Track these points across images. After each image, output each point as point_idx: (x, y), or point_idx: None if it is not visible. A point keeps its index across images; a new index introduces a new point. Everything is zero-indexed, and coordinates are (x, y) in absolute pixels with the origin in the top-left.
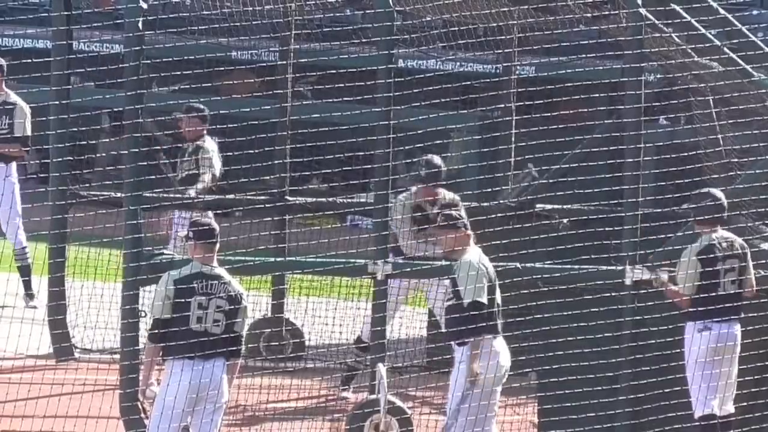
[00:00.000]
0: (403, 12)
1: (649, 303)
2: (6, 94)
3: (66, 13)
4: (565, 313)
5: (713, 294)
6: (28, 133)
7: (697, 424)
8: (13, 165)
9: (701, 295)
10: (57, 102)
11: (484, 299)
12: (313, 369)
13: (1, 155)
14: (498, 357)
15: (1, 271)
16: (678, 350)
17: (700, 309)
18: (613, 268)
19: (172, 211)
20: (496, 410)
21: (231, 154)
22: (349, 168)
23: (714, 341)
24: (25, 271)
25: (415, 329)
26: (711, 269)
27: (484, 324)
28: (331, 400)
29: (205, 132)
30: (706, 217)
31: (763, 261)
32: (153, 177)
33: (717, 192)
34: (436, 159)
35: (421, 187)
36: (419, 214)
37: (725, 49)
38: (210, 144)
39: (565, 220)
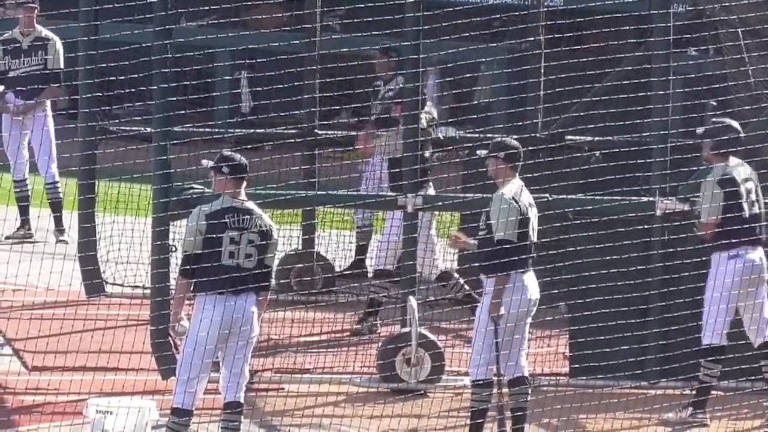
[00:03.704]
0: None
1: (680, 235)
2: (37, 30)
3: None
4: (595, 245)
5: (739, 217)
6: (61, 66)
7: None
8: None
9: (728, 222)
10: (85, 38)
11: (513, 236)
12: (345, 303)
13: (37, 89)
14: (525, 292)
15: (33, 206)
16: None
17: (727, 232)
18: (643, 199)
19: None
20: (527, 343)
21: (261, 88)
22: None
23: (742, 267)
24: (56, 207)
25: (446, 262)
26: (734, 193)
27: (512, 260)
28: (362, 334)
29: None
30: (721, 150)
31: None
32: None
33: (731, 122)
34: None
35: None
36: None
37: None
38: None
39: (597, 153)
